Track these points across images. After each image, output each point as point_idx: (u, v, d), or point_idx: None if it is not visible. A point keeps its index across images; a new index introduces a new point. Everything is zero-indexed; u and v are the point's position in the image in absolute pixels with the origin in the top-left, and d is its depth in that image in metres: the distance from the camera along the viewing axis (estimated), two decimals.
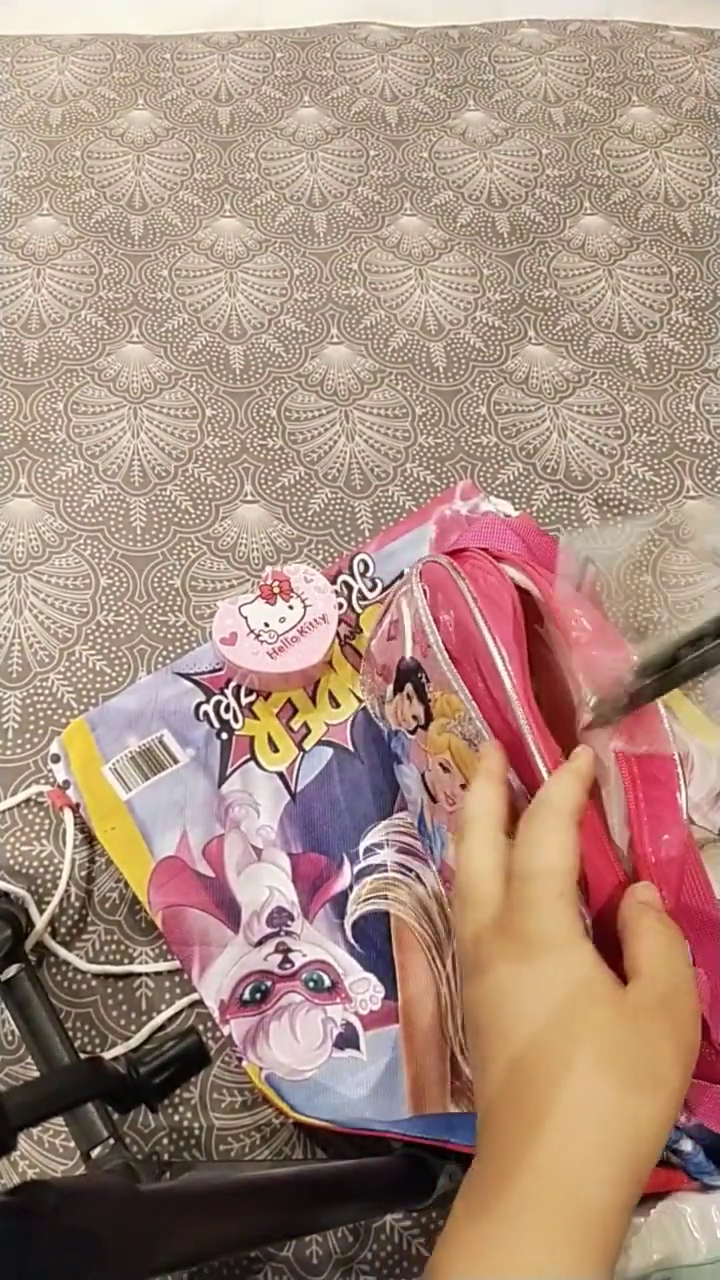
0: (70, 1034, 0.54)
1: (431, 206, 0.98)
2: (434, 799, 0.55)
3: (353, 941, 0.56)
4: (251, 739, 0.63)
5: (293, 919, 0.57)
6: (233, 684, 0.65)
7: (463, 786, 0.51)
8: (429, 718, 0.53)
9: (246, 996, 0.54)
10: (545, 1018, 0.32)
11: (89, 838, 0.61)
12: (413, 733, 0.55)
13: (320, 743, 0.63)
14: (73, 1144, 0.51)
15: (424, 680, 0.52)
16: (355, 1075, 0.52)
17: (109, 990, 0.57)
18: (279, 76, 1.10)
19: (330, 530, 0.75)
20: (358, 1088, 0.52)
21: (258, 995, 0.54)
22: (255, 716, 0.64)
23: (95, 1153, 0.49)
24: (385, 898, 0.58)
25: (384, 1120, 0.50)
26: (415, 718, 0.55)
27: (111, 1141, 0.49)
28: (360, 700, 0.65)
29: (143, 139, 1.02)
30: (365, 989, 0.55)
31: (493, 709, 0.46)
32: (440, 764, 0.53)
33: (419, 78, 1.11)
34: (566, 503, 0.77)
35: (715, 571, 0.73)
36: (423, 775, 0.56)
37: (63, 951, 0.57)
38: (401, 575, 0.58)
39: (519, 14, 1.19)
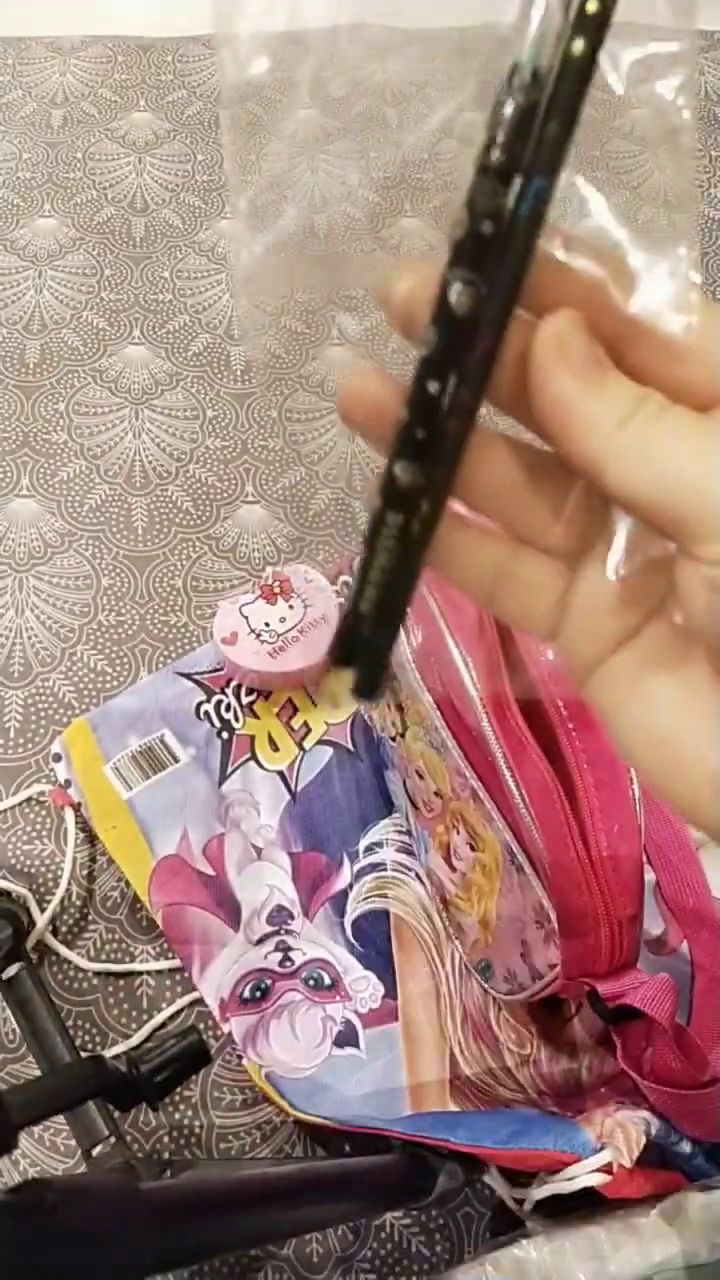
0: (71, 1032, 0.54)
1: (432, 208, 0.98)
2: (414, 805, 0.56)
3: (353, 940, 0.56)
4: (252, 738, 0.63)
5: (293, 917, 0.57)
6: (233, 683, 0.65)
7: (436, 794, 0.52)
8: (405, 726, 0.53)
9: (247, 995, 0.54)
10: None
11: (90, 837, 0.61)
12: (394, 740, 0.56)
13: (320, 742, 0.63)
14: (74, 1142, 0.51)
15: (399, 688, 0.53)
16: (355, 1073, 0.52)
17: (110, 989, 0.57)
18: (280, 77, 1.10)
19: (331, 530, 0.75)
20: (357, 1086, 0.52)
21: (258, 993, 0.55)
22: (256, 716, 0.64)
23: (96, 1151, 0.49)
24: (385, 896, 0.58)
25: (384, 1118, 0.50)
26: (394, 724, 0.55)
27: (112, 1140, 0.49)
28: None
29: (144, 141, 1.02)
30: (365, 987, 0.55)
31: (455, 718, 0.47)
32: (416, 771, 0.53)
33: (419, 79, 1.11)
34: None
35: None
36: (404, 782, 0.56)
37: (64, 950, 0.57)
38: None
39: None
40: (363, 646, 0.23)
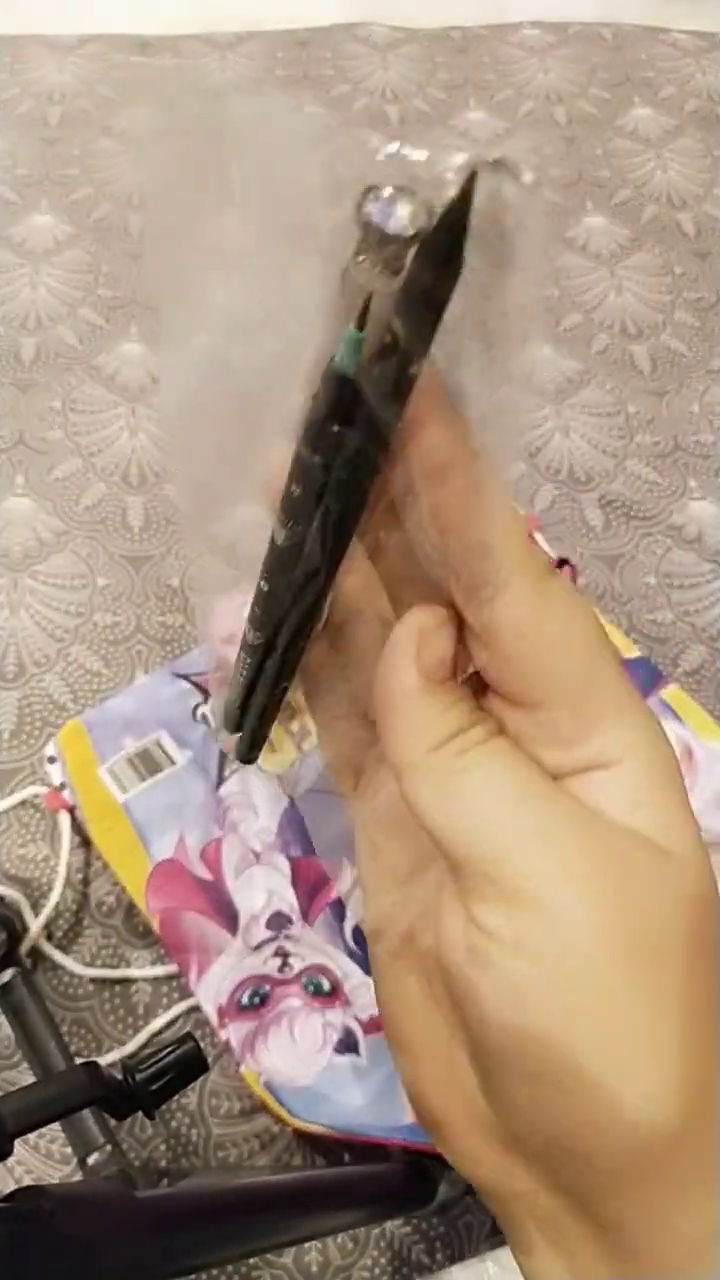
0: (66, 1039, 0.53)
1: None
2: None
3: (353, 945, 0.56)
4: None
5: (292, 922, 0.56)
6: None
7: None
8: None
9: (245, 1001, 0.54)
10: None
11: (85, 840, 0.60)
12: None
13: None
14: (69, 1150, 0.51)
15: None
16: (356, 1081, 0.52)
17: (105, 995, 0.56)
18: (279, 76, 1.10)
19: None
20: (358, 1094, 0.51)
21: (256, 1000, 0.54)
22: None
23: (92, 1159, 0.48)
24: None
25: (384, 1126, 0.50)
26: None
27: (108, 1148, 0.48)
28: None
29: (142, 137, 1.02)
30: (366, 993, 0.54)
31: None
32: None
33: (420, 78, 1.11)
34: (570, 503, 0.76)
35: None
36: None
37: (58, 955, 0.56)
38: None
39: (520, 15, 1.19)
40: (244, 723, 0.27)
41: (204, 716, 0.63)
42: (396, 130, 1.05)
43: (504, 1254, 0.45)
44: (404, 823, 0.21)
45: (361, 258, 0.15)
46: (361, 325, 0.16)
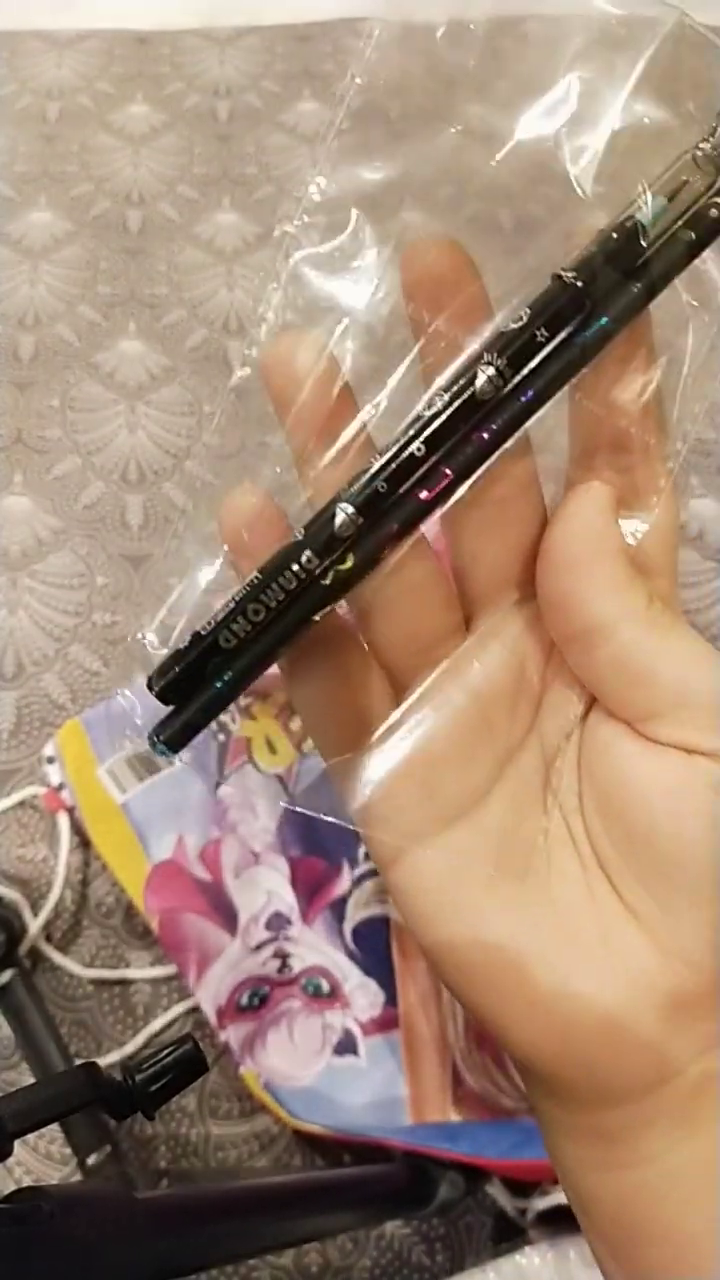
0: (65, 1040, 0.53)
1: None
2: None
3: (352, 946, 0.56)
4: (249, 740, 0.62)
5: (291, 923, 0.56)
6: None
7: None
8: None
9: (244, 1002, 0.54)
10: None
11: (84, 841, 0.60)
12: None
13: None
14: (69, 1151, 0.51)
15: None
16: (355, 1082, 0.52)
17: (104, 996, 0.56)
18: (278, 71, 1.09)
19: None
20: (358, 1095, 0.51)
21: (256, 1001, 0.54)
22: (253, 718, 0.63)
23: (92, 1160, 0.48)
24: (386, 902, 0.57)
25: (384, 1128, 0.49)
26: None
27: (108, 1149, 0.48)
28: None
29: (140, 133, 1.01)
30: (365, 995, 0.54)
31: None
32: None
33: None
34: None
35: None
36: None
37: (57, 956, 0.56)
38: None
39: (520, 10, 1.18)
40: (197, 686, 0.19)
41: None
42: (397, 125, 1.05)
43: (504, 1263, 0.45)
44: (485, 732, 0.20)
45: (700, 151, 0.18)
46: (670, 199, 0.19)
